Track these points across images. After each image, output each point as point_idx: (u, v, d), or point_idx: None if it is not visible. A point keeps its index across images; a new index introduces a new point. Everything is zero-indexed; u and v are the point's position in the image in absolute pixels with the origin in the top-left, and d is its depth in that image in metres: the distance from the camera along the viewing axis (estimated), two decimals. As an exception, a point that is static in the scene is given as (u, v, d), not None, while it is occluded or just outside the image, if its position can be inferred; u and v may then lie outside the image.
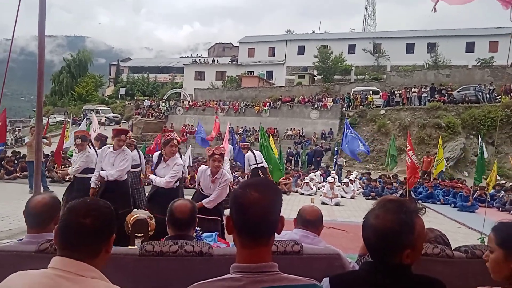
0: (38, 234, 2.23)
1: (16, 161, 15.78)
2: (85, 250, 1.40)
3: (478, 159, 12.49)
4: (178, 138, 5.55)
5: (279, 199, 1.40)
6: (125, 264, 2.18)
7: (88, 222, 1.40)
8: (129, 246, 3.15)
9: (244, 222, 1.33)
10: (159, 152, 5.52)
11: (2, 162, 14.99)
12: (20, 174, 14.32)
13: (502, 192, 13.66)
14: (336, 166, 17.46)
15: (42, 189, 6.48)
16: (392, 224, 1.48)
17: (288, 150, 24.66)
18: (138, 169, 7.42)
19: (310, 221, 2.86)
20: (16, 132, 32.33)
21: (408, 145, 11.70)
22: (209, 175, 5.01)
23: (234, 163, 15.34)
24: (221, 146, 6.07)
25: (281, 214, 1.41)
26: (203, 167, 5.29)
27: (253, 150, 11.18)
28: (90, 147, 6.81)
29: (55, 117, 37.13)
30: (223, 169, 5.24)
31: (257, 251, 1.35)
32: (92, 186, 5.69)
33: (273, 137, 26.37)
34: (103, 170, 5.66)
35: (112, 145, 5.90)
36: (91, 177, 6.45)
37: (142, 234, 3.59)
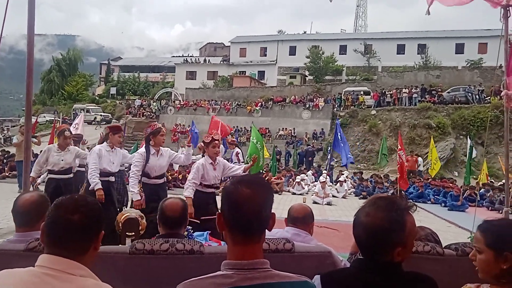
0: (27, 233, 2.20)
1: (5, 160, 15.60)
2: (73, 247, 1.37)
3: (468, 160, 12.63)
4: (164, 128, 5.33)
5: (270, 195, 1.40)
6: (115, 263, 2.16)
7: (77, 218, 1.38)
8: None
9: (236, 218, 1.33)
10: (142, 148, 5.17)
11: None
12: (9, 173, 14.17)
13: (491, 191, 13.81)
14: (329, 166, 17.52)
15: (31, 189, 6.42)
16: (383, 221, 1.48)
17: (275, 149, 24.71)
18: (123, 168, 7.41)
19: (299, 218, 2.86)
20: (5, 131, 32.00)
21: (399, 145, 11.80)
22: (211, 163, 4.84)
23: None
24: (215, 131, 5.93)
25: (272, 211, 1.40)
26: (200, 161, 4.94)
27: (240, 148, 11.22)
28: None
29: (44, 116, 36.73)
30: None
31: (248, 248, 1.34)
32: (98, 187, 5.16)
33: (265, 137, 26.41)
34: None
35: (101, 144, 5.72)
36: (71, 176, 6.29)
37: (133, 233, 3.57)
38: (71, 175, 6.38)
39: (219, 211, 1.38)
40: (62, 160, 6.12)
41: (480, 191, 13.56)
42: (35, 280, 1.30)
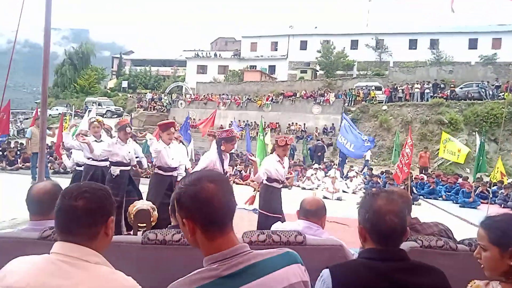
0: (41, 222, 2.23)
1: (18, 152, 15.79)
2: (81, 233, 1.39)
3: (477, 156, 12.47)
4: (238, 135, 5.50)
5: (229, 183, 1.45)
6: (128, 253, 2.18)
7: (81, 204, 1.39)
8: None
9: (210, 215, 1.32)
10: (214, 153, 5.33)
11: (5, 153, 15.02)
12: (23, 165, 14.35)
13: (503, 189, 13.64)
14: (340, 160, 17.48)
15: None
16: (400, 208, 1.59)
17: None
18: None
19: (311, 211, 2.85)
20: (18, 124, 32.40)
21: (410, 140, 11.68)
22: (278, 161, 5.31)
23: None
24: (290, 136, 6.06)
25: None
26: (272, 159, 5.36)
27: None
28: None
29: (57, 109, 37.09)
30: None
31: (226, 238, 1.35)
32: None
33: (275, 132, 26.37)
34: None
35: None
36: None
37: (145, 224, 3.59)
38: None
39: (186, 216, 1.34)
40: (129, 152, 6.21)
41: (493, 188, 13.40)
42: (51, 267, 1.32)
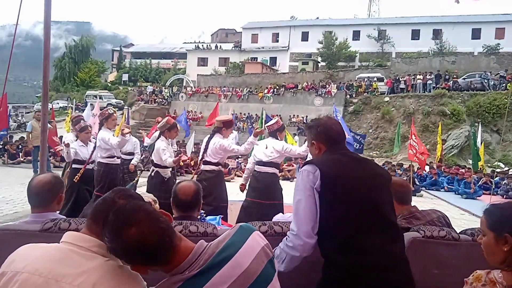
0: (42, 214, 2.22)
1: (20, 146, 15.81)
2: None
3: (472, 145, 12.45)
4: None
5: (144, 204, 1.40)
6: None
7: (121, 202, 1.45)
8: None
9: (155, 253, 1.29)
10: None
11: (6, 147, 15.04)
12: (24, 159, 14.38)
13: (506, 179, 13.64)
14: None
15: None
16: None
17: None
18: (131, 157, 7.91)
19: None
20: (19, 118, 32.41)
21: (412, 133, 11.73)
22: None
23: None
24: None
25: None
26: None
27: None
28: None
29: (58, 103, 37.10)
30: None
31: (181, 250, 1.35)
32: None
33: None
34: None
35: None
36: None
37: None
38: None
39: (134, 265, 1.32)
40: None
41: (496, 179, 13.41)
42: (59, 254, 1.34)
